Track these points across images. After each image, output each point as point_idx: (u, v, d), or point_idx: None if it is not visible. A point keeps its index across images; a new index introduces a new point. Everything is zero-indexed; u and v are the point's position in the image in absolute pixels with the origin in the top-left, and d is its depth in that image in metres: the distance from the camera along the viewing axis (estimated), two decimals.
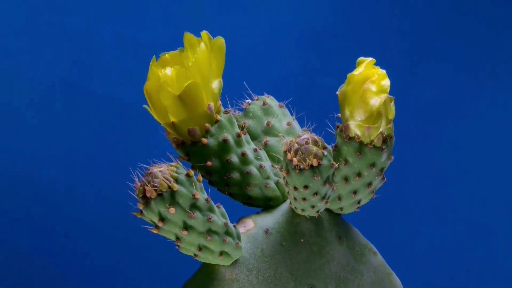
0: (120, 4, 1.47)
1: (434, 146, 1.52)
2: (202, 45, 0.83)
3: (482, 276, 1.52)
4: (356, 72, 0.81)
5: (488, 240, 1.52)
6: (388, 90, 0.80)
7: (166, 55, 0.83)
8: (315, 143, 0.80)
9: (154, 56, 0.82)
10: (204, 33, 0.84)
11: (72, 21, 1.45)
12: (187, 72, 0.81)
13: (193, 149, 0.84)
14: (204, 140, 0.83)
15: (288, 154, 0.80)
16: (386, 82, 0.81)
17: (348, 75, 0.81)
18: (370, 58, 0.81)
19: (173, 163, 0.80)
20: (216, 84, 0.84)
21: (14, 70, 1.44)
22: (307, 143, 0.80)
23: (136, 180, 0.79)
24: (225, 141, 0.84)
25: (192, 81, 0.81)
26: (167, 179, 0.78)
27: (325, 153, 0.80)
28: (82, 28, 1.46)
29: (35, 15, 1.44)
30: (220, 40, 0.84)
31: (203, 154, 0.84)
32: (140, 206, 0.79)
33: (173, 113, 0.82)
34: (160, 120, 0.84)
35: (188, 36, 0.83)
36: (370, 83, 0.81)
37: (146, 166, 0.79)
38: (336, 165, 0.80)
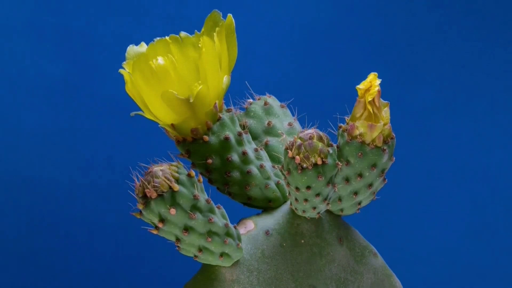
0: (120, 4, 1.46)
1: (434, 147, 1.52)
2: (217, 32, 0.82)
3: (482, 277, 1.52)
4: (361, 86, 0.81)
5: (488, 241, 1.52)
6: (376, 90, 0.80)
7: (156, 42, 0.82)
8: (320, 139, 0.79)
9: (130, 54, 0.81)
10: (230, 17, 0.82)
11: (72, 21, 1.45)
12: (196, 65, 0.80)
13: (193, 146, 0.84)
14: (206, 137, 0.83)
15: (289, 152, 0.79)
16: (377, 85, 0.81)
17: (356, 87, 0.82)
18: (374, 73, 0.82)
19: (174, 163, 0.79)
20: (225, 80, 0.83)
21: (14, 70, 1.44)
22: (311, 138, 0.78)
23: (136, 179, 0.78)
24: (226, 139, 0.84)
25: (203, 86, 0.80)
26: (168, 179, 0.77)
27: (331, 151, 0.79)
28: (82, 28, 1.46)
29: (35, 15, 1.44)
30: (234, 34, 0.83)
31: (204, 151, 0.84)
32: (140, 206, 0.78)
33: (176, 113, 0.82)
34: (158, 121, 0.84)
35: (215, 14, 0.82)
36: (367, 91, 0.82)
37: (145, 165, 0.79)
38: (341, 165, 0.80)
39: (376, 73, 0.81)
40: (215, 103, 0.83)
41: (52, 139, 1.46)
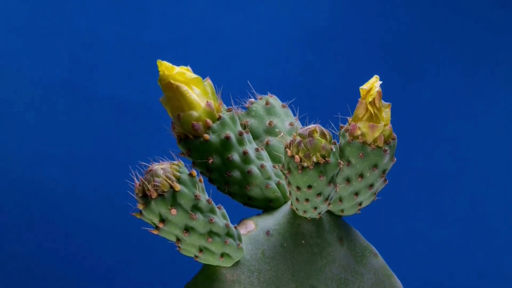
0: (121, 4, 1.46)
1: (434, 148, 1.52)
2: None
3: (482, 277, 1.52)
4: (365, 86, 0.81)
5: (488, 241, 1.52)
6: (375, 91, 0.80)
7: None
8: (323, 135, 0.78)
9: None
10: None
11: (73, 21, 1.45)
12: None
13: (195, 145, 0.83)
14: (206, 136, 0.83)
15: (288, 150, 0.78)
16: (377, 87, 0.81)
17: (360, 88, 0.82)
18: (376, 75, 0.82)
19: (175, 162, 0.79)
20: (205, 85, 0.84)
21: (15, 70, 1.44)
22: (311, 135, 0.77)
23: (135, 179, 0.78)
24: (227, 138, 0.84)
25: (180, 84, 0.82)
26: (169, 178, 0.77)
27: (333, 149, 0.78)
28: (83, 28, 1.46)
29: (35, 15, 1.44)
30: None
31: (205, 150, 0.84)
32: (140, 207, 0.77)
33: (178, 104, 0.82)
34: (169, 112, 0.84)
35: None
36: (368, 92, 0.82)
37: (145, 164, 0.78)
38: (342, 164, 0.79)
39: (377, 75, 0.81)
40: (207, 102, 0.83)
41: (53, 139, 1.45)
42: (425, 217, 1.52)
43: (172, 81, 0.82)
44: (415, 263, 1.51)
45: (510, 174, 1.52)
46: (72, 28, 1.45)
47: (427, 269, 1.52)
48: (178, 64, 0.84)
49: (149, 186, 0.76)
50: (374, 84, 0.81)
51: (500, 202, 1.52)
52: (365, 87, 0.81)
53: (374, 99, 0.80)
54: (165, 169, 0.77)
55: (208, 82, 0.84)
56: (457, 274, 1.52)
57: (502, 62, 1.52)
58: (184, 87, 0.82)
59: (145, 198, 0.77)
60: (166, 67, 0.82)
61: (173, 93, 0.82)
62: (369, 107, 0.81)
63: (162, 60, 0.83)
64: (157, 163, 0.78)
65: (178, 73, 0.82)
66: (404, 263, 1.45)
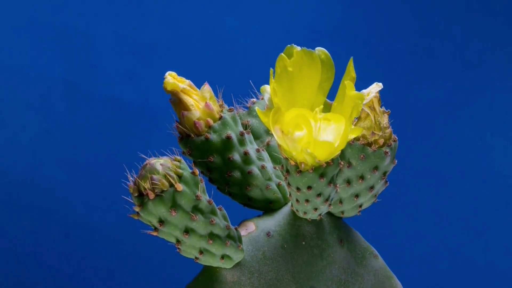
0: (120, 4, 1.46)
1: (434, 149, 1.52)
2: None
3: (482, 277, 1.52)
4: (365, 91, 0.82)
5: (488, 241, 1.52)
6: (372, 96, 0.81)
7: None
8: None
9: None
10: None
11: (73, 21, 1.45)
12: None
13: (196, 143, 0.84)
14: (208, 135, 0.83)
15: (283, 153, 0.78)
16: (373, 92, 0.81)
17: (361, 92, 0.82)
18: (377, 83, 0.82)
19: (176, 157, 0.77)
20: (204, 90, 0.84)
21: (14, 70, 1.44)
22: None
23: (131, 178, 0.76)
24: (228, 138, 0.84)
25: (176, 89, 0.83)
26: (170, 176, 0.75)
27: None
28: (83, 28, 1.45)
29: (35, 15, 1.44)
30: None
31: (206, 149, 0.84)
32: (136, 208, 0.75)
33: (182, 106, 0.83)
34: (176, 110, 0.84)
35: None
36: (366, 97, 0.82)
37: (145, 157, 0.77)
38: (342, 164, 0.79)
39: (380, 83, 0.81)
40: (206, 103, 0.83)
41: (52, 139, 1.45)
42: (425, 218, 1.52)
43: (171, 90, 0.83)
44: (415, 264, 1.51)
45: (510, 174, 1.52)
46: (72, 28, 1.45)
47: (427, 270, 1.52)
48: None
49: (145, 186, 0.74)
50: (372, 90, 0.81)
51: (500, 202, 1.52)
52: (365, 91, 0.81)
53: (373, 103, 0.81)
54: (164, 164, 0.75)
55: (206, 87, 0.84)
56: (457, 274, 1.52)
57: (502, 62, 1.52)
58: (181, 94, 0.83)
59: (141, 198, 0.75)
60: (166, 82, 0.83)
61: (177, 97, 0.83)
62: (368, 111, 0.81)
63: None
64: (154, 158, 0.76)
65: (174, 85, 0.83)
66: (404, 265, 1.45)
